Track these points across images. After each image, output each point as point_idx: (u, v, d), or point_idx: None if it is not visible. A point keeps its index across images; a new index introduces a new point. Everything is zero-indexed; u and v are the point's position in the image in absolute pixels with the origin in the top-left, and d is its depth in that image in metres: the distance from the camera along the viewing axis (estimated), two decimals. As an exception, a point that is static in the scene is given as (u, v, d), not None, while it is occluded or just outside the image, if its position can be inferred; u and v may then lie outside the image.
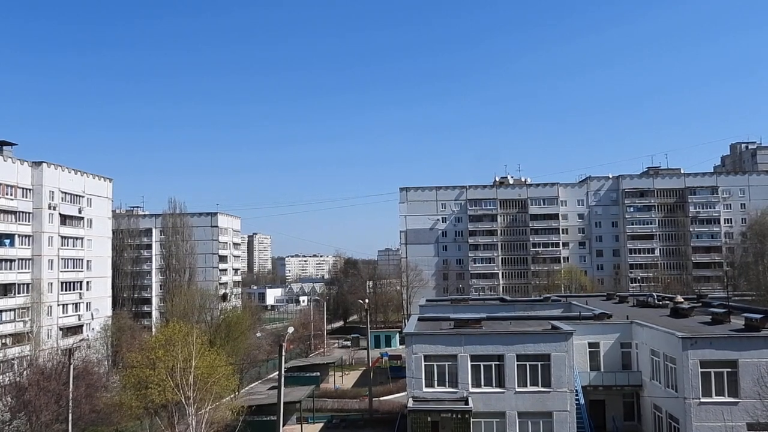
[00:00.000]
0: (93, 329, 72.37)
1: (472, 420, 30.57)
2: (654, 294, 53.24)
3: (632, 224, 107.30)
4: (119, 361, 58.79)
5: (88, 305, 76.11)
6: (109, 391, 42.51)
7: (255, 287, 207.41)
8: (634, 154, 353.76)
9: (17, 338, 62.70)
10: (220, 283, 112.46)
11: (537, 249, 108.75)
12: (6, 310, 64.66)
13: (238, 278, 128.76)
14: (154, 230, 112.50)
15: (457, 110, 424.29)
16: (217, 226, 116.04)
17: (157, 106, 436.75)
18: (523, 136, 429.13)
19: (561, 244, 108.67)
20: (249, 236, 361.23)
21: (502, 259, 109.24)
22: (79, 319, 74.28)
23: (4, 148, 68.36)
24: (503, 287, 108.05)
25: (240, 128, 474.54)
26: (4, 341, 62.01)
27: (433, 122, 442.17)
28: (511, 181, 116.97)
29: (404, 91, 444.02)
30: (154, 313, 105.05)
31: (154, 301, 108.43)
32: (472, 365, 31.92)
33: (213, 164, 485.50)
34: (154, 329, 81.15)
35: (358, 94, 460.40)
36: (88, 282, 77.07)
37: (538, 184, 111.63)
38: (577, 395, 32.69)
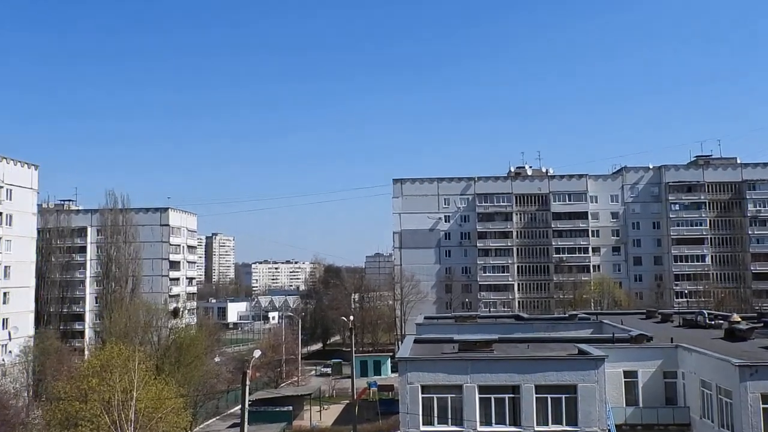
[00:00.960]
0: (10, 352, 71.90)
1: (480, 466, 31.11)
2: (704, 312, 53.36)
3: (677, 225, 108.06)
4: (43, 391, 58.76)
5: (4, 322, 75.57)
6: (30, 430, 42.29)
7: (214, 300, 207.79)
8: (678, 140, 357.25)
9: None
10: (170, 296, 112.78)
11: (561, 255, 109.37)
12: None
13: (194, 289, 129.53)
14: (89, 229, 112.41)
15: (463, 95, 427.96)
16: (167, 225, 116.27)
17: (97, 90, 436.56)
18: (543, 119, 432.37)
19: (590, 249, 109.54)
20: (207, 237, 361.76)
21: (518, 267, 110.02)
22: (-7, 340, 74.49)
23: None
24: (519, 302, 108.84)
25: (203, 116, 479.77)
26: None
27: (435, 108, 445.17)
28: (529, 172, 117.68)
29: (399, 75, 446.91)
30: (88, 333, 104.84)
31: (88, 317, 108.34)
32: (480, 398, 31.90)
33: (165, 154, 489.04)
34: (87, 352, 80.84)
35: (344, 79, 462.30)
36: (5, 293, 76.51)
37: (562, 176, 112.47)
38: (609, 436, 33.66)
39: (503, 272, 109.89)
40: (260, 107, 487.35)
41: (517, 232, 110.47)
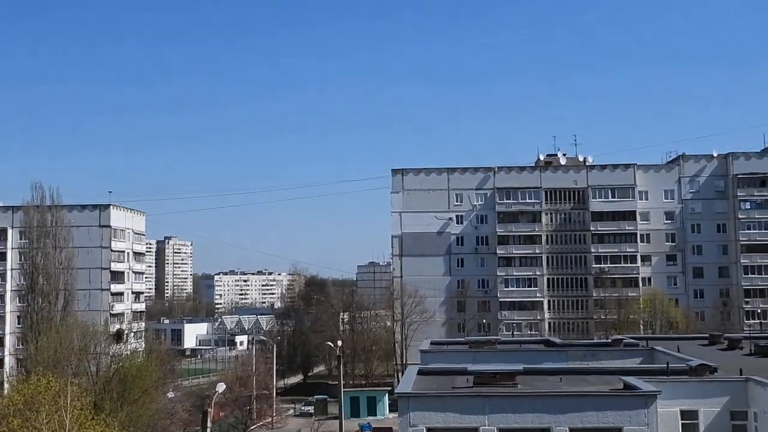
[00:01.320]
0: None
1: None
2: (782, 336, 54.45)
3: (748, 229, 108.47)
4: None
5: None
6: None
7: (167, 321, 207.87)
8: (749, 122, 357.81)
9: None
10: (112, 315, 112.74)
11: (602, 265, 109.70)
12: None
13: (141, 307, 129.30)
14: (10, 231, 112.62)
15: (477, 56, 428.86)
16: (108, 226, 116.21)
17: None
18: (579, 92, 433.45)
19: (639, 258, 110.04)
20: (158, 242, 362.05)
21: (548, 280, 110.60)
22: None
23: None
24: (550, 324, 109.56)
25: (153, 83, 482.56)
26: None
27: (442, 75, 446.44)
28: (562, 161, 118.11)
29: (395, 24, 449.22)
30: (8, 361, 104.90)
31: (9, 341, 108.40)
32: (501, 444, 32.50)
33: (104, 136, 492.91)
34: (6, 386, 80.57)
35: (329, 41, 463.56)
36: None
37: (604, 166, 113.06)
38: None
39: (530, 286, 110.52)
40: (218, 78, 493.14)
41: (547, 236, 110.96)
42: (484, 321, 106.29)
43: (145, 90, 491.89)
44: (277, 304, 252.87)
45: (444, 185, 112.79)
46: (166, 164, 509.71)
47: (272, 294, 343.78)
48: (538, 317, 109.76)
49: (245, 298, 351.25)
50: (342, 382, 52.00)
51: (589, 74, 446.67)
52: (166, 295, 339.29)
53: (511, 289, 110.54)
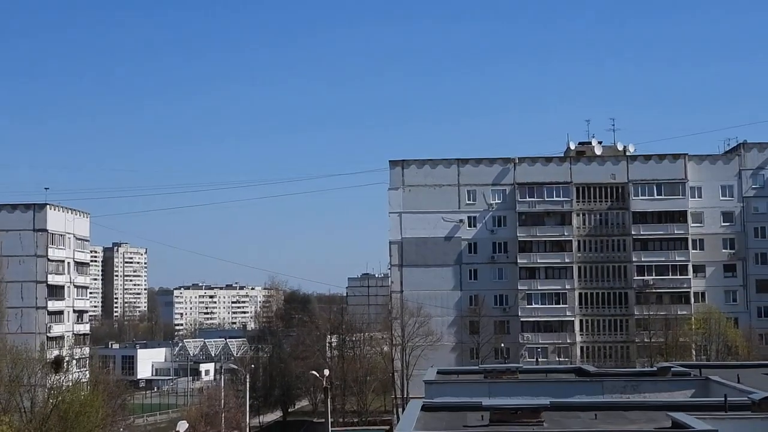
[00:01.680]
0: None
1: None
2: None
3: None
4: None
5: None
6: None
7: (116, 345, 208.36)
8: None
9: None
10: (50, 338, 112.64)
11: (646, 277, 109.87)
12: None
13: (85, 328, 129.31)
14: None
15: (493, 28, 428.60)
16: (44, 230, 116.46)
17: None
18: (620, 65, 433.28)
19: (691, 268, 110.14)
20: (106, 250, 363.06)
21: (580, 295, 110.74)
22: None
23: None
24: (583, 348, 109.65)
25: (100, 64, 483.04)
26: None
27: (450, 51, 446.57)
28: (598, 151, 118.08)
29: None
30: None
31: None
32: (523, 496, 32.09)
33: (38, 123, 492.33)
34: None
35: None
36: None
37: (648, 156, 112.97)
38: None
39: (558, 303, 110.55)
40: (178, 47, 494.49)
41: (579, 241, 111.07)
42: (503, 345, 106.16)
43: (90, 70, 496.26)
44: (251, 325, 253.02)
45: (453, 180, 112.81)
46: (116, 156, 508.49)
47: (244, 313, 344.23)
48: (568, 340, 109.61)
49: (211, 318, 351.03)
50: (330, 420, 51.87)
51: (626, 51, 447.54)
52: (116, 314, 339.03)
53: (535, 306, 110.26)
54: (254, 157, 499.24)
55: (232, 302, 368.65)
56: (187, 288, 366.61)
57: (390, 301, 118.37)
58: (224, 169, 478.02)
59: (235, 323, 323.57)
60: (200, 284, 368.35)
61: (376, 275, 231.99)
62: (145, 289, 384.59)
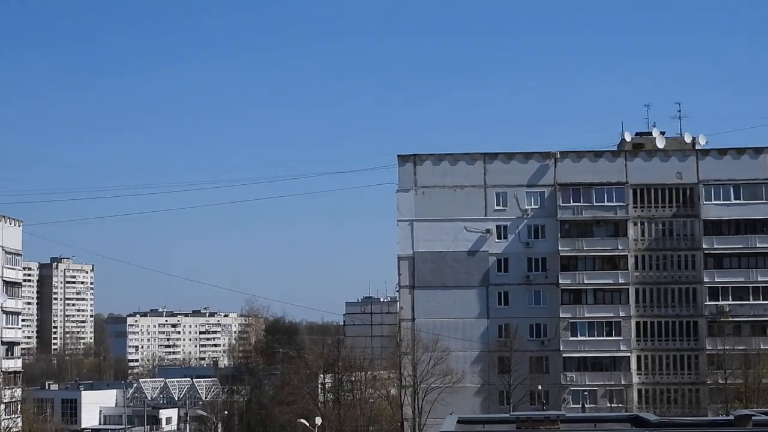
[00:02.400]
0: None
1: None
2: None
3: None
4: None
5: None
6: None
7: (56, 386, 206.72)
8: None
9: None
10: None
11: (720, 302, 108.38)
12: None
13: (17, 364, 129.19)
14: None
15: None
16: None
17: None
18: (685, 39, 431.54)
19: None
20: (43, 267, 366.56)
21: (638, 325, 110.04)
22: None
23: None
24: (641, 391, 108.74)
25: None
26: None
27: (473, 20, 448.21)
28: (660, 143, 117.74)
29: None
30: None
31: None
32: None
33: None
34: None
35: None
36: None
37: (723, 151, 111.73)
38: None
39: (610, 334, 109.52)
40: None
41: (636, 257, 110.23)
42: (540, 387, 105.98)
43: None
44: (224, 361, 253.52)
45: (478, 179, 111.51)
46: (55, 148, 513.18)
47: (215, 346, 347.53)
48: (623, 381, 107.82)
49: (174, 352, 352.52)
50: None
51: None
52: (55, 347, 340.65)
53: (580, 338, 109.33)
54: (227, 152, 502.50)
55: (201, 333, 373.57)
56: (144, 315, 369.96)
57: (398, 331, 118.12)
58: (191, 165, 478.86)
59: (203, 359, 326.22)
60: (160, 310, 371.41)
61: (381, 299, 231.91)
62: (91, 316, 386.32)
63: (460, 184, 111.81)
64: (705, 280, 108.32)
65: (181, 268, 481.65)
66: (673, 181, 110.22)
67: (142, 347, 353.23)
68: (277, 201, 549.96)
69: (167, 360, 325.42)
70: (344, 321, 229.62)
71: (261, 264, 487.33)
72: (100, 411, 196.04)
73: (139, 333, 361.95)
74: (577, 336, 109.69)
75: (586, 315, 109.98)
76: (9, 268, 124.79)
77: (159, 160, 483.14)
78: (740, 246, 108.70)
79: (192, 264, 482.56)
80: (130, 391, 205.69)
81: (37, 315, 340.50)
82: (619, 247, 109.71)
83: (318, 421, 77.28)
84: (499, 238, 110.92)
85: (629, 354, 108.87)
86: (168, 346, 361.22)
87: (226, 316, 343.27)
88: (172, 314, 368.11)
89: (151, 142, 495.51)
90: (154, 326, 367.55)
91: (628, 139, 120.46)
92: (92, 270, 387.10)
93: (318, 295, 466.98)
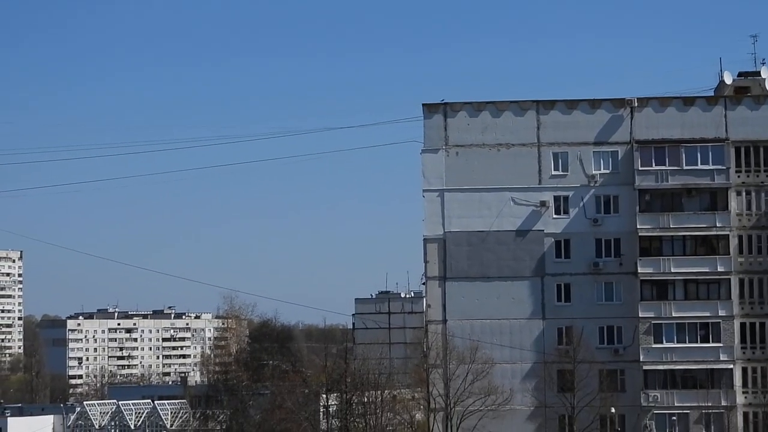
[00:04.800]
0: None
1: None
2: None
3: None
4: None
5: None
6: None
7: None
8: None
9: None
10: None
11: None
12: None
13: None
14: None
15: None
16: None
17: None
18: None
19: None
20: None
21: (742, 327, 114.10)
22: None
23: None
24: (747, 415, 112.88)
25: None
26: None
27: None
28: None
29: None
30: None
31: None
32: None
33: None
34: None
35: None
36: None
37: None
38: None
39: (706, 341, 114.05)
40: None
41: (741, 238, 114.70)
42: (613, 410, 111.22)
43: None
44: (195, 377, 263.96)
45: (530, 136, 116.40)
46: None
47: (184, 357, 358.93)
48: (723, 402, 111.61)
49: (130, 366, 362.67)
50: None
51: None
52: None
53: (667, 345, 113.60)
54: (197, 101, 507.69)
55: (164, 340, 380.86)
56: (90, 316, 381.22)
57: (425, 337, 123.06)
58: (147, 119, 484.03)
59: (168, 374, 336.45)
60: (111, 310, 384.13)
61: (403, 295, 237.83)
62: (19, 319, 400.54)
63: (506, 142, 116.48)
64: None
65: (138, 254, 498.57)
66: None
67: (87, 359, 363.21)
68: (263, 167, 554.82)
69: (120, 376, 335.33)
70: (353, 323, 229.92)
71: (244, 250, 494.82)
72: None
73: (83, 341, 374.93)
74: (662, 342, 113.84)
75: (673, 314, 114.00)
76: None
77: (120, 112, 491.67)
78: None
79: (153, 250, 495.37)
80: (72, 418, 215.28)
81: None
82: (718, 225, 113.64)
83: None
84: (557, 213, 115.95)
85: (731, 366, 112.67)
86: (121, 358, 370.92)
87: (197, 317, 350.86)
88: (126, 316, 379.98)
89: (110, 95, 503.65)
90: (103, 331, 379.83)
91: (728, 81, 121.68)
92: (20, 258, 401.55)
93: (319, 290, 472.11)
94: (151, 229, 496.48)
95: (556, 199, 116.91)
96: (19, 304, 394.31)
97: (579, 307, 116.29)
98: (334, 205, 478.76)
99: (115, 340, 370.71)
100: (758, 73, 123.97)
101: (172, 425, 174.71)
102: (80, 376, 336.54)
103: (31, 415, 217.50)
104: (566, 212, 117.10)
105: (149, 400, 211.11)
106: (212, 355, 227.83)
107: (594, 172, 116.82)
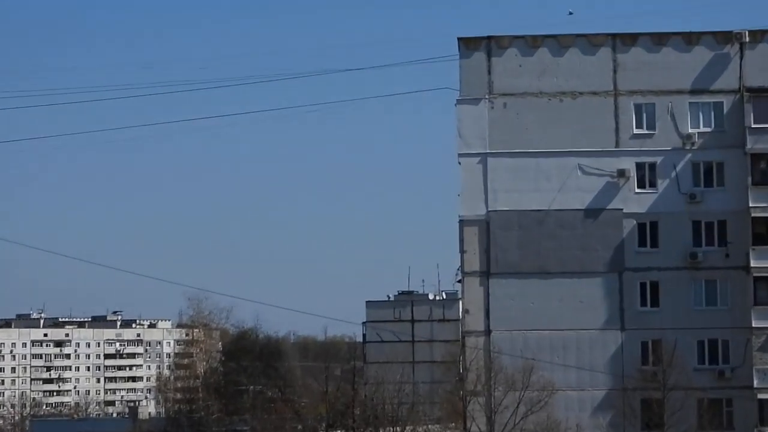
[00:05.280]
0: None
1: None
2: None
3: None
4: None
5: None
6: None
7: None
8: None
9: None
10: None
11: None
12: None
13: None
14: None
15: None
16: None
17: None
18: None
19: None
20: None
21: None
22: None
23: None
24: None
25: None
26: None
27: None
28: None
29: None
30: None
31: None
32: None
33: None
34: None
35: None
36: None
37: None
38: None
39: None
40: None
41: None
42: None
43: None
44: (149, 409, 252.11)
45: (604, 81, 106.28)
46: None
47: (133, 380, 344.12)
48: None
49: (60, 391, 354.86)
50: None
51: None
52: None
53: None
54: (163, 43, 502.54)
55: (107, 356, 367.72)
56: (6, 324, 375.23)
57: (461, 354, 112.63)
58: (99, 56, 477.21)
59: (112, 403, 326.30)
60: (34, 316, 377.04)
61: (430, 296, 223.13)
62: None
63: (571, 90, 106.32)
64: None
65: (72, 242, 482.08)
66: None
67: (2, 383, 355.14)
68: (249, 122, 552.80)
69: (47, 406, 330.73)
70: (364, 335, 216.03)
71: (214, 234, 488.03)
72: None
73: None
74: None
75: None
76: None
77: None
78: None
79: (90, 234, 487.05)
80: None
81: None
82: None
83: None
84: (641, 186, 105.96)
85: None
86: (49, 381, 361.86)
87: (152, 326, 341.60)
88: (55, 323, 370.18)
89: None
90: (24, 345, 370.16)
91: None
92: None
93: (318, 289, 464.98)
94: (86, 207, 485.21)
95: (639, 167, 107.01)
96: None
97: (670, 314, 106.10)
98: (338, 175, 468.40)
99: (41, 357, 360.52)
100: None
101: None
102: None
103: None
104: (653, 185, 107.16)
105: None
106: (172, 378, 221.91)
107: (690, 130, 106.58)
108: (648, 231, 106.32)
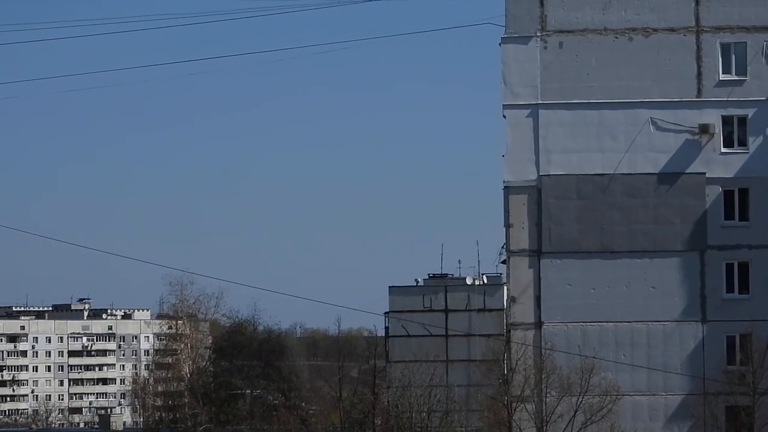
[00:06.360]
0: None
1: None
2: None
3: None
4: None
5: None
6: None
7: None
8: None
9: None
10: None
11: None
12: None
13: None
14: None
15: None
16: None
17: None
18: None
19: None
20: None
21: None
22: None
23: None
24: None
25: None
26: None
27: None
28: None
29: None
30: None
31: None
32: None
33: None
34: None
35: None
36: None
37: None
38: None
39: None
40: None
41: None
42: None
43: None
44: (124, 418, 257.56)
45: (683, 16, 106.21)
46: None
47: (105, 383, 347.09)
48: None
49: (14, 396, 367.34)
50: None
51: None
52: None
53: None
54: None
55: (72, 353, 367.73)
56: None
57: (506, 350, 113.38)
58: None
59: (79, 410, 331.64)
60: None
61: (468, 281, 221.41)
62: None
63: (643, 26, 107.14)
64: None
65: (30, 216, 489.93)
66: None
67: None
68: (251, 72, 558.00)
69: (4, 412, 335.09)
70: (387, 328, 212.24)
71: (201, 205, 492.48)
72: None
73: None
74: None
75: None
76: None
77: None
78: None
79: (54, 208, 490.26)
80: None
81: None
82: None
83: None
84: (728, 145, 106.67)
85: None
86: (1, 384, 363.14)
87: (127, 316, 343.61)
88: (9, 314, 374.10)
89: None
90: None
91: None
92: None
93: (329, 272, 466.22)
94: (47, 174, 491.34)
95: (727, 121, 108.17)
96: None
97: (763, 303, 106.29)
98: (354, 134, 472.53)
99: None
100: None
101: None
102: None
103: None
104: (743, 144, 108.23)
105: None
106: (151, 380, 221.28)
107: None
108: (736, 200, 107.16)
